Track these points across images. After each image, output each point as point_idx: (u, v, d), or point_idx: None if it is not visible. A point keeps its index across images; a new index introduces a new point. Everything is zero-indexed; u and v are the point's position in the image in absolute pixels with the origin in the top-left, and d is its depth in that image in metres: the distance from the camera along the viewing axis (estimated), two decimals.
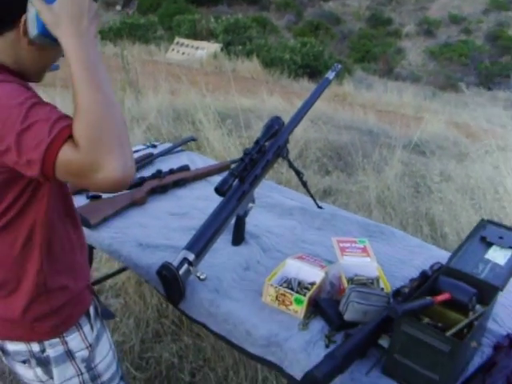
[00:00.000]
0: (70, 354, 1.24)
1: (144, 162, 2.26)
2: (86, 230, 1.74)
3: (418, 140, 5.97)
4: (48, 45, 1.03)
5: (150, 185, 2.04)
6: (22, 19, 1.00)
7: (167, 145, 2.57)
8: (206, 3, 31.38)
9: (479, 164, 4.21)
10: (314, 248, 1.72)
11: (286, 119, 1.86)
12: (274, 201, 2.04)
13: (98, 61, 0.99)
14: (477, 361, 1.28)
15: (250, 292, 1.48)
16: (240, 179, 1.65)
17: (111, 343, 1.36)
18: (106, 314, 1.36)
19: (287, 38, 24.36)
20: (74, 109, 0.94)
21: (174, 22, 19.14)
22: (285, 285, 1.46)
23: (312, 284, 1.46)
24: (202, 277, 1.48)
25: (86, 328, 1.26)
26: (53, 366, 1.23)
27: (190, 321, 1.49)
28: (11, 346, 1.23)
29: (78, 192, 1.95)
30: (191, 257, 1.46)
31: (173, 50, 17.23)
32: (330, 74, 2.05)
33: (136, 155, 2.29)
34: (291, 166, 1.91)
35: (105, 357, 1.32)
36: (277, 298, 1.42)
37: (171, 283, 1.43)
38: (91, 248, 2.16)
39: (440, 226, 3.17)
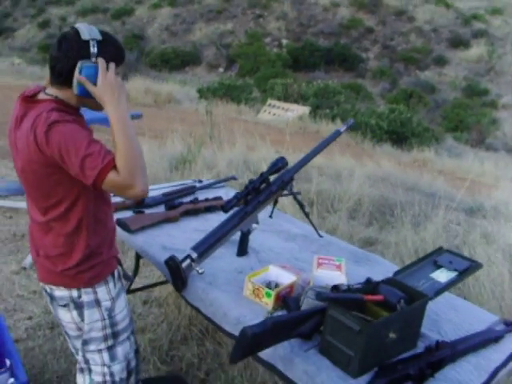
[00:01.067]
0: (97, 302, 1.74)
1: (186, 191, 2.74)
2: (126, 234, 2.23)
3: (480, 205, 6.11)
4: (86, 98, 1.60)
5: (185, 208, 2.51)
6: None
7: (211, 181, 3.04)
8: (303, 69, 32.77)
9: None
10: (302, 264, 2.08)
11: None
12: (282, 228, 2.44)
13: (127, 118, 1.57)
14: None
15: (236, 288, 1.87)
16: (244, 202, 2.07)
17: (127, 303, 1.85)
18: (126, 277, 1.90)
19: (379, 104, 24.86)
20: (115, 148, 1.52)
21: (268, 85, 20.21)
22: (265, 285, 1.84)
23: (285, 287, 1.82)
24: (200, 271, 1.90)
25: (111, 284, 1.77)
26: (85, 309, 1.72)
27: (188, 305, 1.90)
28: (58, 293, 1.73)
29: (126, 208, 2.45)
30: (194, 255, 1.88)
31: (265, 111, 18.16)
32: (342, 127, 2.44)
33: (181, 187, 2.80)
34: (296, 199, 2.30)
35: (121, 310, 1.80)
36: (253, 291, 1.81)
37: (175, 272, 1.86)
38: (138, 257, 2.65)
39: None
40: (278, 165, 2.17)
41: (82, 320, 1.74)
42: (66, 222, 1.65)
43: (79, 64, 1.54)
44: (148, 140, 7.75)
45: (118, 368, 1.81)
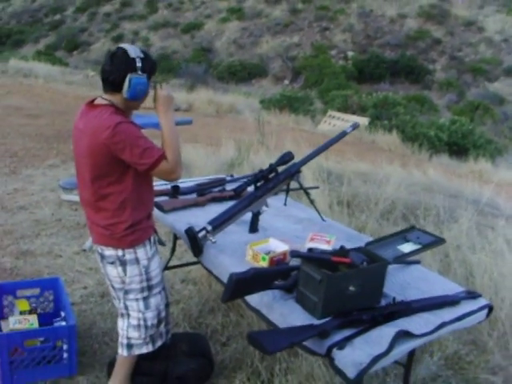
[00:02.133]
0: (137, 260, 2.25)
1: (216, 183, 3.20)
2: (161, 214, 2.72)
3: None
4: (131, 101, 2.13)
5: (212, 195, 2.98)
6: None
7: (241, 175, 3.50)
8: (368, 81, 32.81)
9: None
10: (302, 241, 2.47)
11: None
12: (292, 213, 2.86)
13: (173, 124, 2.19)
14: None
15: (241, 255, 2.31)
16: (255, 187, 2.50)
17: (160, 263, 2.38)
18: (160, 242, 2.46)
19: (445, 116, 24.58)
20: (164, 144, 2.15)
21: (329, 97, 20.55)
22: (264, 252, 2.26)
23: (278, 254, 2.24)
24: (213, 240, 2.35)
25: (148, 247, 2.28)
26: (127, 266, 2.24)
27: (204, 268, 2.35)
28: (107, 252, 2.26)
29: (166, 194, 2.94)
30: (209, 227, 2.34)
31: (325, 121, 18.49)
32: (348, 129, 2.84)
33: (213, 179, 3.28)
34: (301, 187, 2.71)
35: (155, 269, 2.33)
36: (253, 257, 2.24)
37: (192, 240, 2.32)
38: (175, 237, 3.13)
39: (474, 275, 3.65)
40: (285, 158, 2.59)
41: (125, 274, 2.26)
42: (113, 201, 2.17)
43: (129, 76, 2.07)
44: (205, 146, 8.35)
45: (150, 315, 2.33)
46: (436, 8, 39.00)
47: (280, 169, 2.62)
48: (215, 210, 2.81)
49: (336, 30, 38.80)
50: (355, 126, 2.86)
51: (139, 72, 2.09)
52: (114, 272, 2.27)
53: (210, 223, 2.37)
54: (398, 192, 5.77)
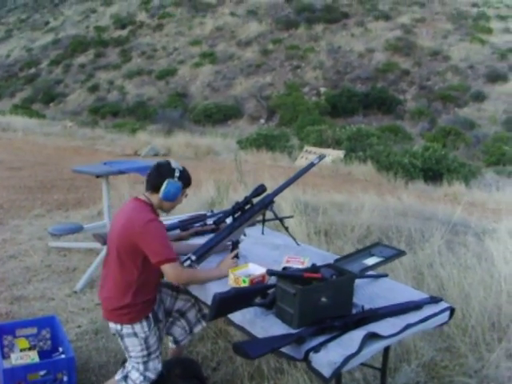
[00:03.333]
0: (135, 334, 2.58)
1: (197, 219, 3.43)
2: None
3: (492, 229, 6.52)
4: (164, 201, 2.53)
5: (195, 230, 3.20)
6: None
7: (220, 210, 3.73)
8: (342, 114, 33.57)
9: None
10: (279, 264, 2.71)
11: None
12: (269, 241, 3.09)
13: (211, 278, 2.54)
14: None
15: (224, 280, 2.52)
16: (233, 219, 2.74)
17: (157, 334, 2.68)
18: (156, 320, 2.70)
19: (419, 144, 25.18)
20: (196, 273, 2.57)
21: (304, 133, 21.03)
22: (244, 276, 2.48)
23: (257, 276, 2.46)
24: (197, 267, 2.56)
25: (144, 324, 2.59)
26: (125, 338, 2.60)
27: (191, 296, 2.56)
28: (111, 325, 2.59)
29: None
30: (193, 257, 2.57)
31: (302, 157, 18.87)
32: (315, 160, 3.10)
33: (195, 214, 3.51)
34: (276, 216, 2.95)
35: (153, 338, 2.65)
36: (234, 280, 2.45)
37: None
38: None
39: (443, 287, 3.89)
40: (259, 190, 2.84)
41: (126, 345, 2.61)
42: (120, 280, 2.54)
43: (167, 181, 2.55)
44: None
45: (149, 374, 2.65)
46: (402, 40, 40.34)
47: (255, 201, 2.87)
48: (198, 242, 3.04)
49: (307, 67, 39.79)
50: (321, 158, 3.13)
51: (176, 179, 2.57)
52: (118, 340, 2.64)
53: (193, 253, 2.59)
54: (372, 218, 6.05)
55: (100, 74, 43.52)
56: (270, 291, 2.27)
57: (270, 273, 2.16)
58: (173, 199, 2.61)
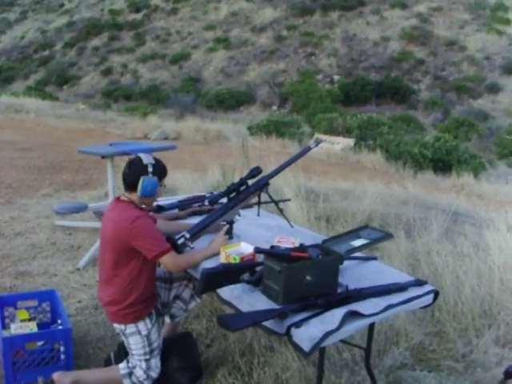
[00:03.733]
0: (139, 332, 2.66)
1: (195, 199, 3.51)
2: None
3: (489, 219, 6.55)
4: (144, 198, 2.57)
5: (192, 209, 3.28)
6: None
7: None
8: (354, 103, 33.43)
9: None
10: (270, 245, 2.78)
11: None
12: (264, 222, 3.16)
13: (204, 258, 2.61)
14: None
15: (216, 257, 2.60)
16: (228, 199, 2.82)
17: (159, 332, 2.77)
18: (158, 314, 2.79)
19: (431, 134, 25.04)
20: (189, 256, 2.63)
21: (315, 120, 21.01)
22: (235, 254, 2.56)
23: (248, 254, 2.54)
24: (191, 246, 2.65)
25: (147, 321, 2.68)
26: (129, 337, 2.66)
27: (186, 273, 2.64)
28: (116, 326, 2.67)
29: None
30: (187, 235, 2.65)
31: None
32: (312, 144, 3.16)
33: (194, 195, 3.59)
34: (270, 198, 3.02)
35: (154, 335, 2.71)
36: (226, 258, 2.53)
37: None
38: None
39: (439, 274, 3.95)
40: (254, 172, 2.91)
41: (129, 343, 2.68)
42: (122, 281, 2.59)
43: (142, 178, 2.56)
44: (192, 172, 8.67)
45: (151, 373, 2.72)
46: (418, 29, 39.94)
47: (250, 183, 2.94)
48: (195, 221, 3.12)
49: (321, 55, 39.57)
50: (318, 142, 3.18)
51: (150, 175, 2.58)
52: (123, 338, 2.73)
53: (188, 231, 2.67)
54: (375, 205, 6.09)
55: (114, 58, 43.59)
56: (258, 269, 2.34)
57: (257, 250, 2.24)
58: (151, 195, 2.64)
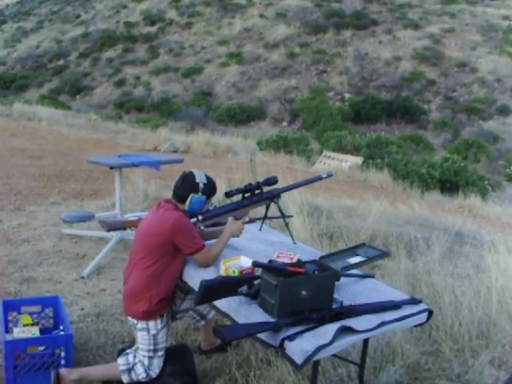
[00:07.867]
0: (147, 330, 2.77)
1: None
2: None
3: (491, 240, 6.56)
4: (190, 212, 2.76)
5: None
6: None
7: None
8: (365, 121, 33.53)
9: None
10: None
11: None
12: (265, 237, 3.23)
13: (225, 245, 2.87)
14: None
15: (216, 269, 2.66)
16: (242, 197, 2.93)
17: (167, 334, 2.87)
18: (172, 317, 2.94)
19: (441, 155, 25.05)
20: (212, 248, 2.82)
21: (324, 138, 21.11)
22: (235, 267, 2.62)
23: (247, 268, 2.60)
24: (201, 227, 2.87)
25: (158, 321, 2.78)
26: (138, 332, 2.79)
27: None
28: (129, 318, 2.80)
29: None
30: (200, 217, 2.83)
31: (320, 161, 18.97)
32: (324, 175, 3.26)
33: None
34: (279, 209, 3.10)
35: (162, 337, 2.82)
36: (225, 270, 2.59)
37: None
38: None
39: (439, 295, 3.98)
40: (271, 180, 3.05)
41: (137, 337, 2.80)
42: (146, 277, 2.71)
43: (191, 195, 2.77)
44: None
45: (151, 373, 2.80)
46: (430, 50, 40.16)
47: (265, 190, 3.06)
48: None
49: (333, 72, 39.82)
50: (329, 175, 3.29)
51: (200, 193, 2.78)
52: (135, 332, 2.87)
53: (201, 214, 2.87)
54: (378, 224, 6.14)
55: (127, 69, 44.10)
56: (256, 282, 2.40)
57: (255, 264, 2.30)
58: (197, 212, 2.84)
